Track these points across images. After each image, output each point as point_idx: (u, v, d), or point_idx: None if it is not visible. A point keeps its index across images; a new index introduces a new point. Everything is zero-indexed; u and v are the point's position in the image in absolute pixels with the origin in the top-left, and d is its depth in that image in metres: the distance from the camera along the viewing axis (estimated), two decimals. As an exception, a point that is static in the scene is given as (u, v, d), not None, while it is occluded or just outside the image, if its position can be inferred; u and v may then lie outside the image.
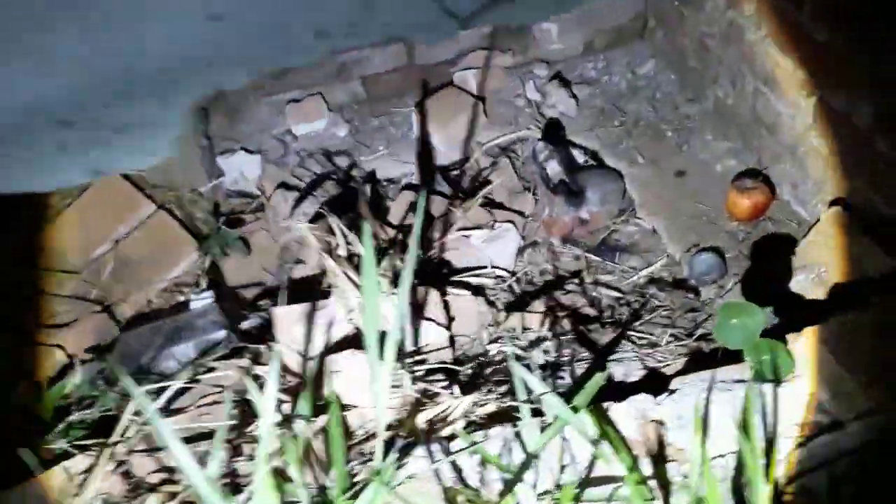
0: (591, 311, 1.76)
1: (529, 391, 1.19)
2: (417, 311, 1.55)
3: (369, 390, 1.23)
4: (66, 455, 1.34)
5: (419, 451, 1.19)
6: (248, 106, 2.43)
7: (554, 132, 2.28)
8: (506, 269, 1.98)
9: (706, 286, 1.78)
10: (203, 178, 2.26)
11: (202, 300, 1.76)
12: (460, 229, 2.00)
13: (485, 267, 1.96)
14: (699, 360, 1.49)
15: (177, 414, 1.44)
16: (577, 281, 1.86)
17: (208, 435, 1.32)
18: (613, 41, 2.56)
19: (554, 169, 2.07)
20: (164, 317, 1.78)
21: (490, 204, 2.16)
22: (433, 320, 1.56)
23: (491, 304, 1.83)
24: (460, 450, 1.14)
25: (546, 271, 2.00)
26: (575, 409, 1.14)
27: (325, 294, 1.53)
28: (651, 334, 1.66)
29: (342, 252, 1.51)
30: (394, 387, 1.31)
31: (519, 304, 1.83)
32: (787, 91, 1.82)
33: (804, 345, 1.28)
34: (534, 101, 2.42)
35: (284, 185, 2.18)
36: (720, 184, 2.00)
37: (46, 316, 1.78)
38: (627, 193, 2.11)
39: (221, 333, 1.64)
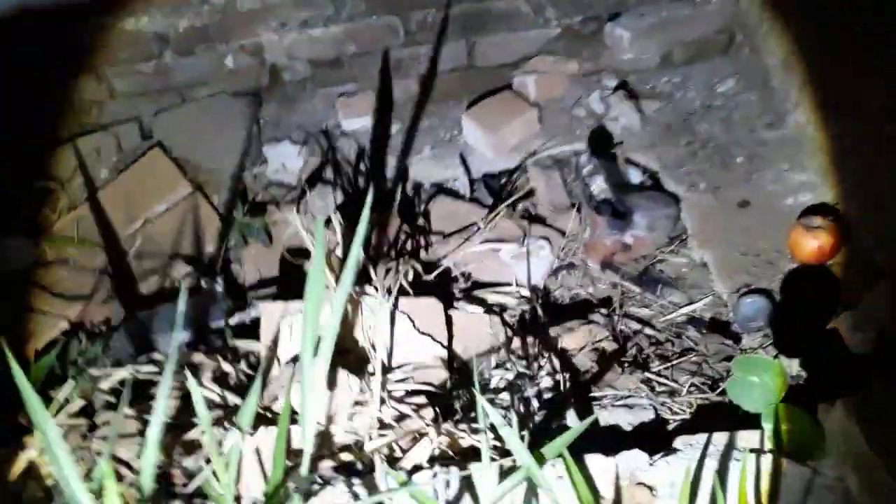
0: (614, 346, 1.58)
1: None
2: (412, 324, 1.44)
3: (333, 405, 1.14)
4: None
5: (340, 485, 1.08)
6: (302, 96, 2.42)
7: (604, 146, 2.10)
8: (532, 290, 1.83)
9: (750, 333, 1.56)
10: (247, 164, 2.26)
11: (212, 287, 1.74)
12: (488, 241, 1.87)
13: (509, 284, 1.82)
14: (718, 419, 1.29)
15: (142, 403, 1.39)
16: (605, 311, 1.68)
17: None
18: (694, 55, 2.35)
19: (599, 186, 1.91)
20: (172, 300, 1.76)
21: (530, 218, 2.02)
22: (430, 336, 1.45)
23: (507, 325, 1.69)
24: (389, 490, 1.02)
25: (577, 297, 1.84)
26: (540, 460, 1.00)
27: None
28: (674, 381, 1.47)
29: (340, 253, 1.43)
30: (357, 404, 1.21)
31: (539, 328, 1.68)
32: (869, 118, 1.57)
33: (835, 417, 1.07)
34: (595, 113, 2.25)
35: (322, 179, 2.13)
36: (787, 220, 1.77)
37: (62, 287, 1.81)
38: (681, 221, 1.91)
39: (220, 323, 1.60)
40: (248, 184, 2.22)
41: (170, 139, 2.26)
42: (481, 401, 1.02)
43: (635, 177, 2.10)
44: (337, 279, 1.32)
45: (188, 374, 1.12)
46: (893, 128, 1.49)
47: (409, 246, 1.81)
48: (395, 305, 1.42)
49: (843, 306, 1.47)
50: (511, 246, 1.87)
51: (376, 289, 1.39)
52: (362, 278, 1.41)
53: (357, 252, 1.05)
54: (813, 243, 1.62)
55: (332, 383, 1.21)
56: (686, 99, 2.25)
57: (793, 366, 1.39)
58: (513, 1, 2.20)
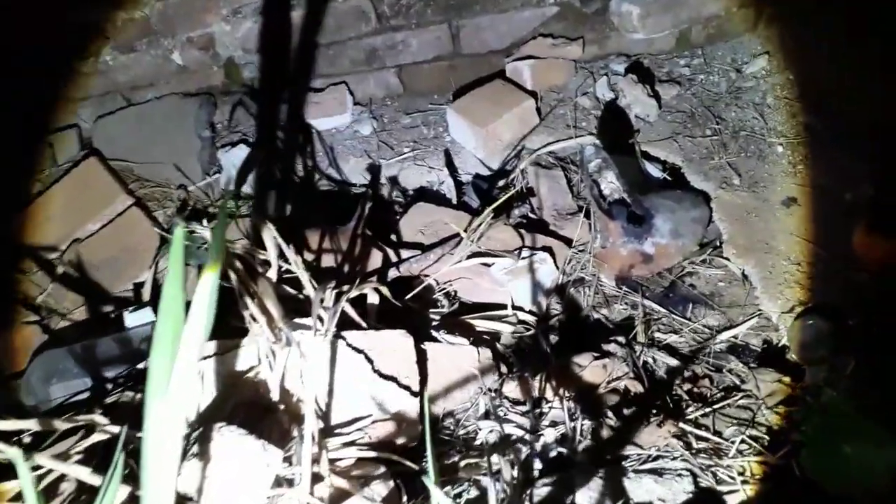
0: (637, 386, 1.22)
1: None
2: (370, 366, 1.09)
3: (245, 484, 0.79)
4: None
5: None
6: (264, 94, 2.10)
7: (615, 137, 1.76)
8: (532, 313, 1.49)
9: (814, 366, 1.20)
10: (200, 172, 1.94)
11: (138, 320, 1.41)
12: (477, 254, 1.53)
13: (503, 307, 1.47)
14: (785, 493, 0.93)
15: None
16: (624, 339, 1.33)
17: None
18: (716, 34, 2.02)
19: (611, 185, 1.57)
20: (95, 334, 1.44)
21: (529, 225, 1.68)
22: (395, 380, 1.10)
23: (500, 359, 1.34)
24: None
25: (588, 320, 1.49)
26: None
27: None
28: (718, 433, 1.11)
29: (272, 274, 1.09)
30: (280, 484, 0.87)
31: (540, 364, 1.33)
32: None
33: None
34: (604, 102, 1.92)
35: (280, 187, 1.81)
36: (849, 218, 1.41)
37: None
38: (713, 224, 1.56)
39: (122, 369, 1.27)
40: (199, 194, 1.90)
41: (111, 147, 1.96)
42: (431, 486, 0.68)
43: (654, 173, 1.76)
44: (266, 313, 0.99)
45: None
46: None
47: (376, 263, 1.48)
48: (347, 342, 1.07)
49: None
50: (505, 260, 1.53)
51: (321, 320, 1.05)
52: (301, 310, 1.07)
53: (276, 271, 0.70)
54: (886, 246, 1.27)
55: (239, 456, 0.87)
56: (710, 83, 1.91)
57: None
58: (501, -26, 1.88)
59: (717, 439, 1.09)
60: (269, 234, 1.07)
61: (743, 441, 1.07)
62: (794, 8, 1.79)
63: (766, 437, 1.09)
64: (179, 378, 0.62)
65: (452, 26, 1.98)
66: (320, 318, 1.05)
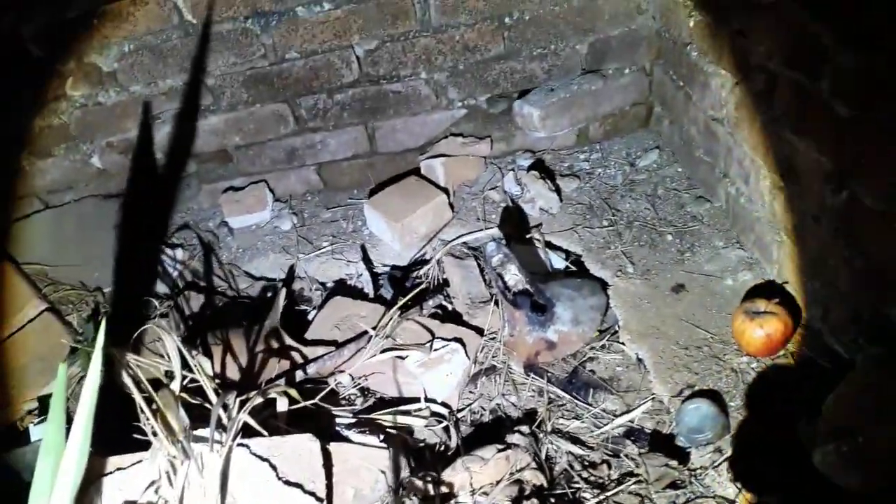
0: (539, 477, 1.28)
1: None
2: (274, 473, 1.11)
3: None
4: None
5: None
6: (185, 194, 2.15)
7: (519, 230, 1.88)
8: (446, 404, 1.54)
9: (698, 448, 1.29)
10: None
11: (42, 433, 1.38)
12: (390, 349, 1.58)
13: (417, 400, 1.52)
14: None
15: None
16: (527, 429, 1.39)
17: None
18: (612, 130, 2.20)
19: (514, 276, 1.66)
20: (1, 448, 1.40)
21: (443, 317, 1.75)
22: (300, 487, 1.12)
23: (413, 454, 1.38)
24: None
25: (500, 408, 1.55)
26: None
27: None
28: (610, 521, 1.17)
29: (175, 386, 1.11)
30: None
31: (453, 456, 1.37)
32: (810, 185, 1.38)
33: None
34: (511, 195, 2.05)
35: (197, 288, 1.83)
36: (729, 304, 1.55)
37: None
38: (611, 310, 1.67)
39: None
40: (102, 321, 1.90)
41: (27, 250, 1.95)
42: None
43: (558, 262, 1.88)
44: (167, 426, 1.01)
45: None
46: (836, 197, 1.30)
47: (288, 363, 1.51)
48: (251, 451, 1.10)
49: (806, 410, 1.22)
50: (418, 353, 1.59)
51: (225, 430, 1.07)
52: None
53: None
54: (759, 332, 1.39)
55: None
56: (607, 176, 2.07)
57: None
58: (410, 83, 2.02)
59: (608, 527, 1.14)
60: (172, 343, 1.10)
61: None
62: (678, 109, 1.98)
63: (652, 522, 1.15)
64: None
65: (368, 127, 2.10)
66: (223, 428, 1.07)
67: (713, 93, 1.73)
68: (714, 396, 1.33)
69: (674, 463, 1.26)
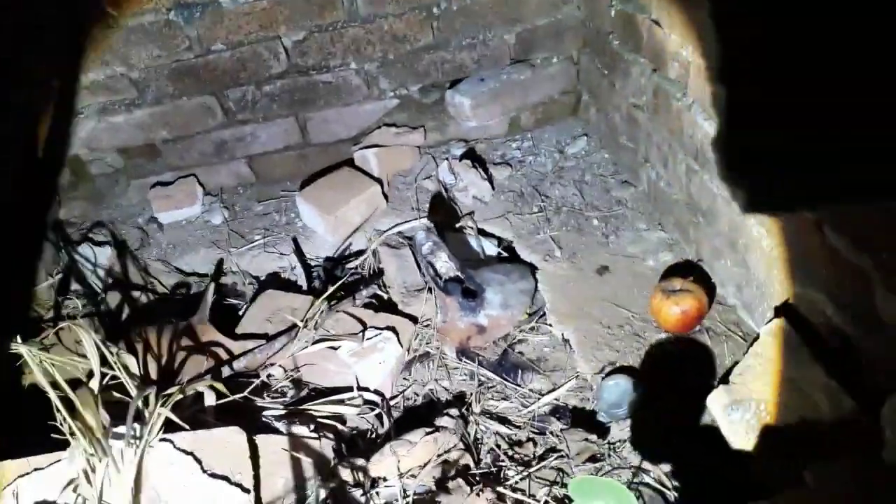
0: (466, 457, 1.31)
1: None
2: (199, 466, 1.11)
3: None
4: None
5: None
6: (114, 190, 2.10)
7: (450, 218, 1.91)
8: (378, 392, 1.55)
9: (617, 422, 1.34)
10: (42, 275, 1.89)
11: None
12: (323, 339, 1.59)
13: (350, 389, 1.53)
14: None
15: None
16: (456, 412, 1.42)
17: None
18: (542, 118, 2.24)
19: (445, 264, 1.69)
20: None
21: (378, 306, 1.76)
22: (226, 479, 1.13)
23: (343, 443, 1.39)
24: None
25: (432, 393, 1.57)
26: None
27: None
28: (531, 496, 1.21)
29: (94, 384, 1.10)
30: None
31: (383, 442, 1.39)
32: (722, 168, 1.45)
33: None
34: (445, 184, 2.07)
35: (125, 286, 1.80)
36: (650, 283, 1.61)
37: None
38: (539, 294, 1.71)
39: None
40: (42, 296, 1.85)
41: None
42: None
43: (491, 249, 1.91)
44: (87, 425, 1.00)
45: None
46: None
47: (216, 359, 1.50)
48: (175, 445, 1.09)
49: (716, 380, 1.28)
50: (350, 343, 1.60)
51: (145, 426, 1.07)
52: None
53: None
54: (675, 309, 1.45)
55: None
56: (537, 164, 2.11)
57: (660, 473, 1.17)
58: (340, 73, 2.02)
59: (530, 502, 1.18)
60: (89, 340, 1.08)
61: (555, 498, 1.17)
62: (603, 97, 2.03)
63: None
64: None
65: (299, 118, 2.09)
66: (143, 424, 1.06)
67: (634, 80, 1.79)
68: (632, 372, 1.39)
69: (594, 437, 1.31)
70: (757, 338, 1.26)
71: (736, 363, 1.28)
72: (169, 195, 2.04)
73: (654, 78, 1.68)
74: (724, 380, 1.25)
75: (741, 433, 1.14)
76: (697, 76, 1.46)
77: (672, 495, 1.12)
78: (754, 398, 1.16)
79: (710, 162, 1.47)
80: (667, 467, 1.16)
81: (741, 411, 1.17)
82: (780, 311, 1.28)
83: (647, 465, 1.17)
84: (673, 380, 1.38)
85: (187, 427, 1.14)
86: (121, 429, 1.08)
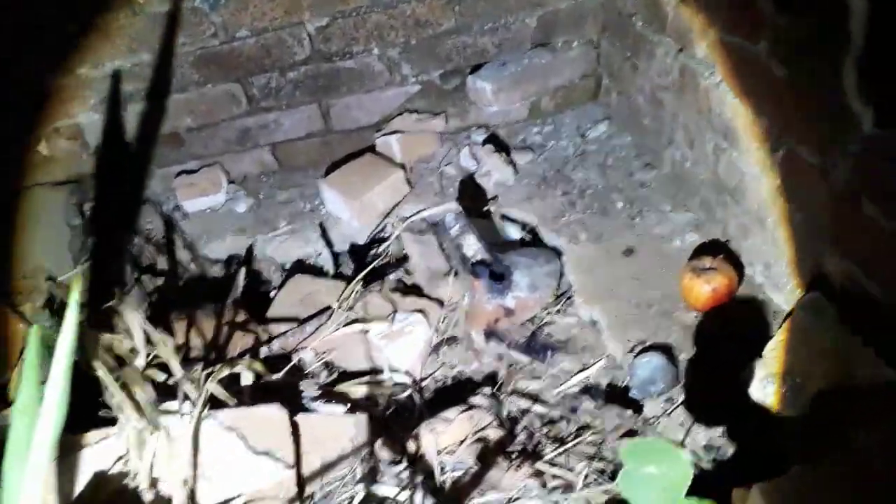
0: (500, 434, 1.32)
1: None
2: (244, 443, 1.13)
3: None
4: None
5: None
6: (138, 179, 2.12)
7: (476, 203, 1.91)
8: (409, 373, 1.57)
9: (651, 399, 1.35)
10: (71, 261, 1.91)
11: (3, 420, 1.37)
12: (354, 322, 1.61)
13: (380, 371, 1.55)
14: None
15: None
16: (490, 390, 1.43)
17: None
18: (563, 103, 2.24)
19: (472, 247, 1.70)
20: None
21: (404, 290, 1.78)
22: (269, 454, 1.14)
23: (378, 422, 1.41)
24: None
25: (461, 375, 1.59)
26: None
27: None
28: (570, 469, 1.22)
29: (140, 361, 1.12)
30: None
31: (415, 423, 1.41)
32: (750, 145, 1.45)
33: (754, 510, 0.85)
34: (467, 170, 2.08)
35: (156, 271, 1.82)
36: (677, 264, 1.61)
37: None
38: (565, 276, 1.72)
39: None
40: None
41: (-27, 242, 1.89)
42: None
43: (514, 233, 1.92)
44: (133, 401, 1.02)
45: None
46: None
47: (251, 340, 1.52)
48: (219, 421, 1.11)
49: (749, 356, 1.29)
50: (381, 325, 1.61)
51: (192, 402, 1.09)
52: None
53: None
54: (706, 288, 1.46)
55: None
56: (559, 148, 2.12)
57: (712, 438, 1.18)
58: (363, 59, 2.03)
59: (569, 476, 1.20)
60: (135, 321, 1.10)
61: (593, 472, 1.18)
62: (625, 80, 2.03)
63: (610, 467, 1.21)
64: (32, 481, 0.65)
65: (322, 106, 2.10)
66: (190, 401, 1.08)
67: (658, 61, 1.79)
68: (665, 350, 1.39)
69: (628, 413, 1.32)
70: (791, 313, 1.26)
71: (769, 339, 1.28)
72: (193, 183, 2.06)
73: (680, 58, 1.68)
74: (758, 354, 1.25)
75: (778, 404, 1.15)
76: (724, 54, 1.46)
77: (708, 466, 1.13)
78: (789, 371, 1.17)
79: (739, 139, 1.47)
80: (704, 439, 1.17)
81: (777, 384, 1.17)
82: (812, 284, 1.29)
83: (683, 436, 1.18)
84: (706, 357, 1.38)
85: (234, 402, 1.15)
86: (167, 406, 1.10)
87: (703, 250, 1.60)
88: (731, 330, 1.44)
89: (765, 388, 1.18)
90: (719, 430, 1.21)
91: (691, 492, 0.83)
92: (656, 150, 1.95)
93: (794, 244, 1.37)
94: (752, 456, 1.13)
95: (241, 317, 1.57)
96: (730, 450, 1.17)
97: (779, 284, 1.46)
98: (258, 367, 1.30)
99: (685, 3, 1.58)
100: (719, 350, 1.40)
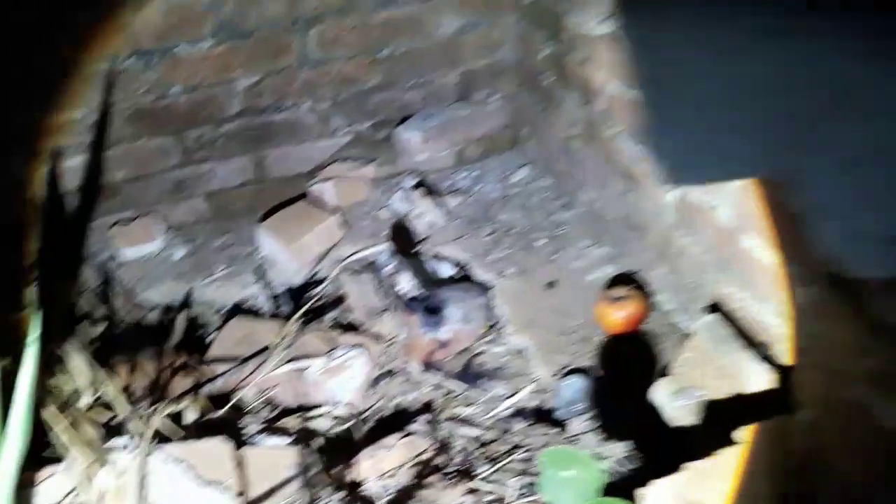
0: (439, 458, 1.41)
1: None
2: (192, 474, 1.17)
3: None
4: None
5: None
6: (73, 229, 2.12)
7: (408, 244, 2.03)
8: (350, 406, 1.64)
9: (574, 417, 1.47)
10: None
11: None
12: (293, 359, 1.67)
13: (321, 405, 1.61)
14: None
15: None
16: (427, 417, 1.52)
17: None
18: (487, 150, 2.41)
19: (407, 284, 1.80)
20: None
21: (343, 328, 1.86)
22: (215, 485, 1.19)
23: (320, 453, 1.47)
24: None
25: (399, 406, 1.67)
26: None
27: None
28: (503, 484, 1.32)
29: (85, 400, 1.15)
30: None
31: (358, 449, 1.48)
32: (649, 186, 1.63)
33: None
34: (400, 213, 2.20)
35: (92, 320, 1.83)
36: (595, 294, 1.76)
37: None
38: (495, 308, 1.84)
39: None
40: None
41: None
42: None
43: (447, 270, 2.04)
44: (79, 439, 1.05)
45: None
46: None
47: (191, 381, 1.56)
48: (165, 455, 1.15)
49: (659, 374, 1.44)
50: (320, 361, 1.68)
51: (137, 438, 1.13)
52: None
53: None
54: (619, 314, 1.61)
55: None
56: (485, 191, 2.27)
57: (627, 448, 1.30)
58: (295, 112, 2.14)
59: (501, 490, 1.29)
60: (80, 362, 1.14)
61: (523, 487, 1.29)
62: (541, 129, 2.22)
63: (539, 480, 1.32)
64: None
65: (256, 156, 2.18)
66: (137, 437, 1.12)
67: (567, 114, 1.98)
68: (585, 372, 1.53)
69: (554, 431, 1.43)
70: (693, 333, 1.42)
71: (675, 358, 1.44)
72: (129, 233, 2.08)
73: (585, 110, 1.87)
74: (666, 373, 1.40)
75: (683, 415, 1.29)
76: (622, 108, 1.66)
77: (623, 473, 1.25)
78: (693, 385, 1.32)
79: (640, 182, 1.66)
80: (620, 449, 1.30)
81: (683, 397, 1.32)
82: (711, 308, 1.46)
83: (604, 449, 1.30)
84: (621, 376, 1.53)
85: (181, 432, 1.20)
86: (114, 442, 1.14)
87: (616, 281, 1.76)
88: (643, 351, 1.59)
89: (672, 401, 1.33)
90: (632, 440, 1.34)
91: (606, 494, 0.95)
92: (573, 192, 2.13)
93: (693, 273, 1.55)
94: (662, 462, 1.26)
95: (182, 359, 1.60)
96: (642, 457, 1.30)
97: (684, 309, 1.63)
98: (202, 403, 1.34)
99: (584, 64, 1.78)
100: (632, 370, 1.55)
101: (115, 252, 2.07)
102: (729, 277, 1.40)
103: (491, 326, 1.81)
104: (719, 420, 1.25)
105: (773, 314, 1.27)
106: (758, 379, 1.24)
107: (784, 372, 1.20)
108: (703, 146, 1.24)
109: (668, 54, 1.40)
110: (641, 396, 1.43)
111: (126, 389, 1.40)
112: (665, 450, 1.28)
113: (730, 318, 1.39)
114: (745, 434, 1.02)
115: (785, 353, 1.22)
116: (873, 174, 0.79)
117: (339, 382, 1.65)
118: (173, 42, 1.90)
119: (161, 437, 1.21)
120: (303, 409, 1.61)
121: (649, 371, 1.54)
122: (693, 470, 0.99)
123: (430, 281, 1.89)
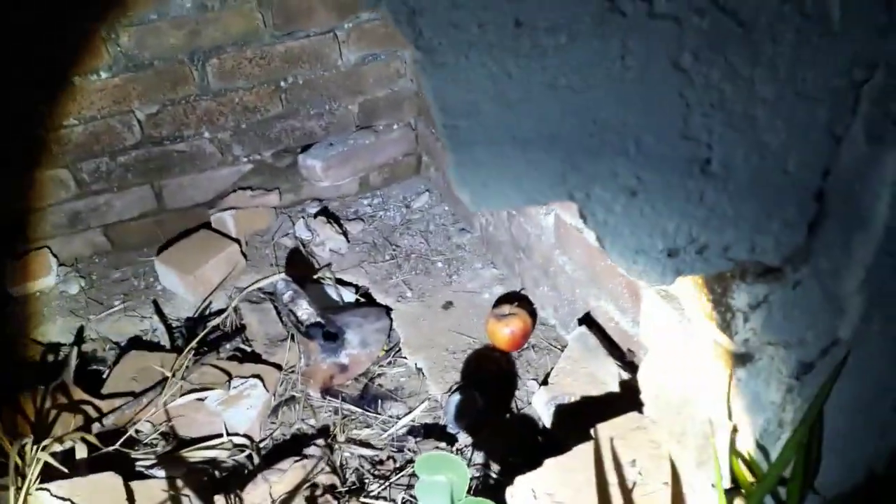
0: (333, 479, 1.46)
1: None
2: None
3: None
4: None
5: None
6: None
7: (307, 271, 2.08)
8: (248, 435, 1.66)
9: (462, 430, 1.55)
10: None
11: None
12: (191, 391, 1.68)
13: (220, 435, 1.62)
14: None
15: None
16: (323, 441, 1.57)
17: None
18: (389, 177, 2.49)
19: (306, 311, 1.84)
20: None
21: (242, 357, 1.87)
22: (102, 520, 1.19)
23: (215, 482, 1.48)
24: None
25: (300, 431, 1.70)
26: None
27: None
28: (391, 500, 1.38)
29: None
30: None
31: (253, 475, 1.50)
32: (531, 212, 1.75)
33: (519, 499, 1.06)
34: (302, 240, 2.24)
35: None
36: (486, 313, 1.85)
37: None
38: (394, 331, 1.91)
39: None
40: None
41: None
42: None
43: (348, 296, 2.09)
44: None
45: None
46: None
47: (84, 417, 1.54)
48: (52, 493, 1.15)
49: (541, 383, 1.54)
50: (217, 392, 1.70)
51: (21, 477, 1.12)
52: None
53: None
54: (506, 331, 1.71)
55: None
56: (387, 217, 2.35)
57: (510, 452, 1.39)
58: (194, 142, 2.16)
59: (390, 504, 1.36)
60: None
61: (408, 500, 1.35)
62: (439, 157, 2.32)
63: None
64: None
65: (155, 186, 2.18)
66: (21, 476, 1.12)
67: (460, 142, 2.08)
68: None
69: (443, 444, 1.51)
70: (567, 345, 1.54)
71: (552, 368, 1.55)
72: (21, 268, 2.03)
73: (476, 139, 1.98)
74: (545, 382, 1.51)
75: (556, 420, 1.40)
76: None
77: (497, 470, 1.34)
78: (566, 392, 1.43)
79: (524, 208, 1.77)
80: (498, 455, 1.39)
81: (557, 403, 1.42)
82: (581, 321, 1.58)
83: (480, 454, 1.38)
84: (508, 389, 1.62)
85: (66, 470, 1.19)
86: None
87: (503, 299, 1.87)
88: (529, 364, 1.69)
89: (548, 409, 1.43)
90: (514, 446, 1.43)
91: (476, 495, 1.03)
92: (469, 217, 2.23)
93: (569, 289, 1.67)
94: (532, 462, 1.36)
95: (74, 396, 1.59)
96: (517, 460, 1.39)
97: (565, 323, 1.75)
98: (90, 439, 1.34)
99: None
100: (518, 382, 1.65)
101: (6, 289, 2.02)
102: (598, 292, 1.53)
103: (390, 349, 1.88)
104: (580, 420, 1.36)
105: (632, 323, 1.39)
106: (615, 382, 1.35)
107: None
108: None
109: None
110: (523, 405, 1.53)
111: (14, 428, 1.37)
112: (536, 451, 1.38)
113: (599, 329, 1.51)
114: (597, 431, 1.12)
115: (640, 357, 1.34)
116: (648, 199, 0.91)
117: (236, 412, 1.67)
118: (69, 73, 1.89)
119: (47, 476, 1.20)
120: (201, 440, 1.61)
121: (533, 382, 1.64)
122: (553, 465, 1.09)
123: (330, 307, 1.94)
